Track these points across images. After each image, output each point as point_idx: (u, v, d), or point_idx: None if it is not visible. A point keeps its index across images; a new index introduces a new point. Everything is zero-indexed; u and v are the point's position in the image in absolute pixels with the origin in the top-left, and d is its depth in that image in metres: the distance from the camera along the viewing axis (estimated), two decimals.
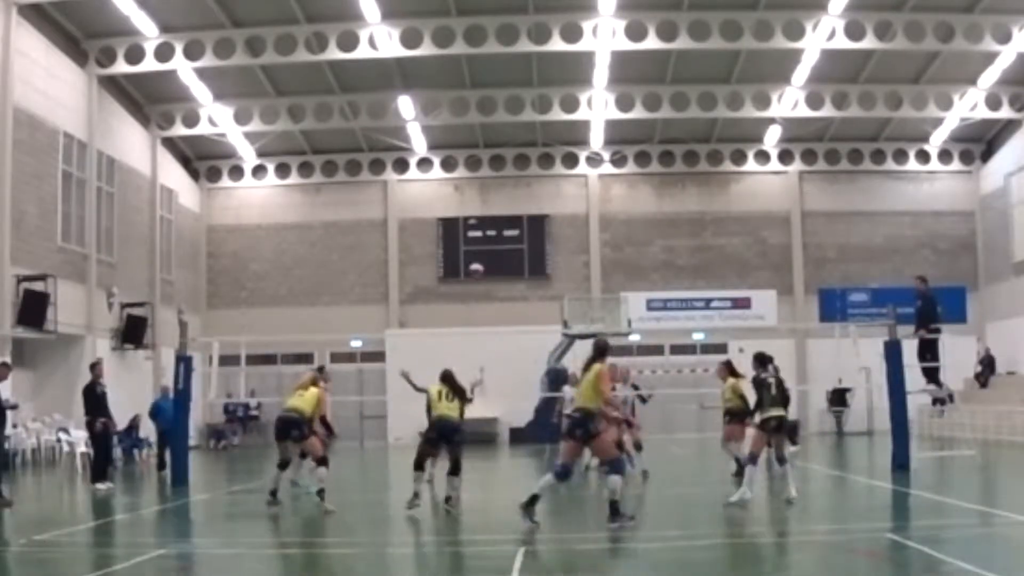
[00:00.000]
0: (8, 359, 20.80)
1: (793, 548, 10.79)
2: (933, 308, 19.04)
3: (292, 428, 14.07)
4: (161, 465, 21.47)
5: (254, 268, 36.27)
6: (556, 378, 27.57)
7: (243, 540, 11.96)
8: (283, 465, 14.78)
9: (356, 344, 34.72)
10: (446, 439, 13.58)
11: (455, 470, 13.51)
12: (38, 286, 23.75)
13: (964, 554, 9.25)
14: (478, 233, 35.94)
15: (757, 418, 13.60)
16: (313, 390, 14.73)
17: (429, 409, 13.89)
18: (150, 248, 31.49)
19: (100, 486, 17.05)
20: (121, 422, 23.72)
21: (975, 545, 10.23)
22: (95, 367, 18.33)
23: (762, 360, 13.82)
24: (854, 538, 10.70)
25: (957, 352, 25.64)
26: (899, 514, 13.21)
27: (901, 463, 17.31)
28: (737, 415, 16.15)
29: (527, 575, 9.22)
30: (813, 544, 10.94)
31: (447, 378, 13.83)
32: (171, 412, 21.59)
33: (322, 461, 13.95)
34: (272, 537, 12.38)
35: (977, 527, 11.35)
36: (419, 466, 13.66)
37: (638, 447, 18.10)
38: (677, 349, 34.15)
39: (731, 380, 16.59)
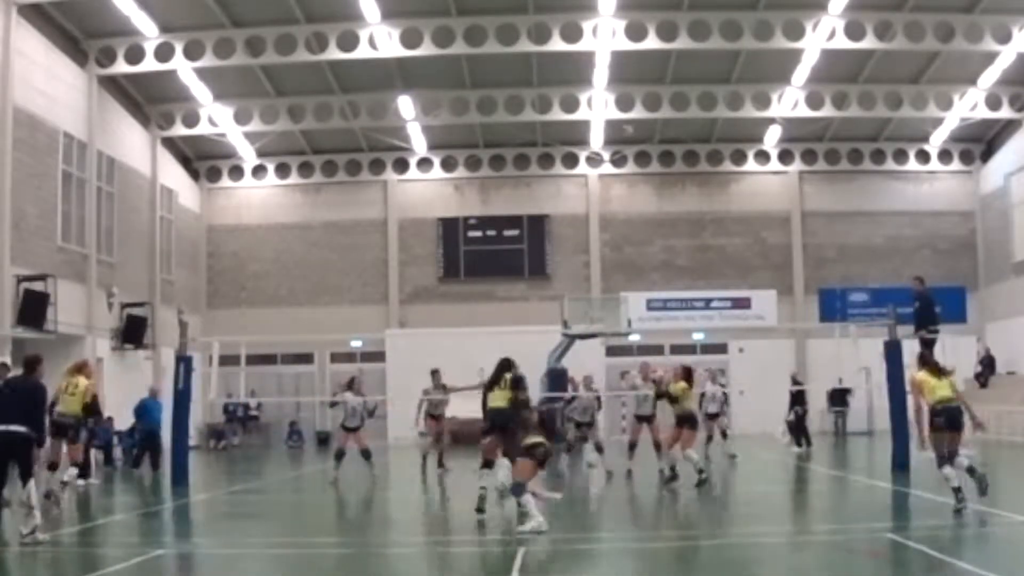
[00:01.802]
0: (8, 359, 20.81)
1: (793, 548, 10.79)
2: (931, 309, 19.03)
3: (68, 430, 14.88)
4: (136, 463, 21.71)
5: (254, 268, 36.26)
6: (556, 378, 27.52)
7: (243, 540, 11.97)
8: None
9: (356, 344, 34.72)
10: (499, 428, 13.13)
11: (486, 463, 13.15)
12: (38, 286, 23.74)
13: (964, 554, 9.26)
14: (478, 233, 35.96)
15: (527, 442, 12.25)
16: (83, 381, 15.09)
17: (485, 402, 13.73)
18: (150, 248, 31.49)
19: (80, 483, 17.17)
20: (121, 422, 23.79)
21: (975, 545, 10.24)
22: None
23: (507, 364, 13.35)
24: (854, 538, 10.70)
25: (957, 352, 25.64)
26: (899, 514, 13.22)
27: (901, 463, 17.29)
28: (687, 420, 16.59)
29: (527, 575, 9.22)
30: (813, 544, 10.95)
31: (497, 367, 13.52)
32: (157, 413, 21.76)
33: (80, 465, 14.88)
34: (272, 537, 12.39)
35: (977, 527, 11.35)
36: (487, 463, 13.23)
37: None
38: (677, 349, 34.11)
39: (683, 384, 16.80)
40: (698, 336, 34.60)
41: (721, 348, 34.48)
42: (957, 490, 11.88)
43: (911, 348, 18.50)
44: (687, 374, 17.08)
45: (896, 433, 17.67)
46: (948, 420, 12.14)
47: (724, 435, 21.23)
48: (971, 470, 12.10)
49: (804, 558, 10.11)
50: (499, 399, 13.31)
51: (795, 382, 26.43)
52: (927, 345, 18.79)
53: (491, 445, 13.33)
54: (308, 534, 12.56)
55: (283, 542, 11.83)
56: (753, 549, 10.70)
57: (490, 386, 13.47)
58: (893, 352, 17.96)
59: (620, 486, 17.31)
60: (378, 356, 33.20)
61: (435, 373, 20.85)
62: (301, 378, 35.61)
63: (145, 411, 22.19)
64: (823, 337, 28.42)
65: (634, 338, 32.65)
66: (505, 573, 9.15)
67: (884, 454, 18.40)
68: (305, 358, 35.32)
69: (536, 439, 11.87)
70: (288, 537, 12.35)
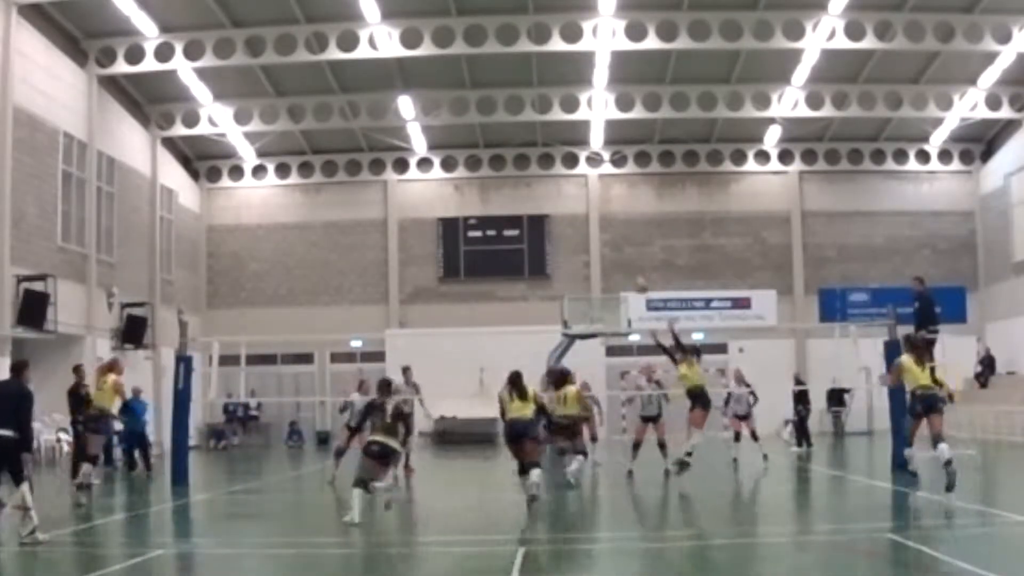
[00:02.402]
0: (8, 359, 20.80)
1: (793, 548, 10.79)
2: (931, 309, 19.02)
3: (98, 424, 15.99)
4: (131, 465, 21.64)
5: (254, 268, 36.26)
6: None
7: (243, 540, 11.97)
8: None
9: (356, 344, 34.72)
10: (519, 436, 13.86)
11: (523, 469, 13.64)
12: (38, 286, 23.73)
13: (964, 554, 9.26)
14: (478, 233, 35.96)
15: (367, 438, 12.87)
16: (111, 378, 16.00)
17: (503, 413, 14.29)
18: (150, 248, 31.48)
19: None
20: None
21: (975, 545, 10.23)
22: (78, 369, 18.74)
23: (386, 387, 13.51)
24: (854, 538, 10.70)
25: (957, 352, 25.62)
26: (899, 514, 13.21)
27: (901, 463, 17.26)
28: (698, 397, 16.10)
29: (527, 575, 9.22)
30: (813, 544, 10.95)
31: (515, 380, 14.11)
32: (140, 413, 21.81)
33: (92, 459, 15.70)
34: (272, 537, 12.39)
35: (977, 527, 11.35)
36: (522, 471, 13.67)
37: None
38: None
39: (684, 367, 16.58)
40: (698, 336, 34.50)
41: (721, 348, 34.41)
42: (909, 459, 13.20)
43: None
44: (693, 351, 16.74)
45: (896, 433, 17.66)
46: (926, 407, 12.93)
47: (755, 436, 21.08)
48: (948, 463, 12.43)
49: (804, 558, 10.11)
50: (521, 410, 13.86)
51: (798, 382, 26.44)
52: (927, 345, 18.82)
53: (516, 452, 13.83)
54: (308, 534, 12.56)
55: (283, 542, 11.83)
56: (753, 549, 10.70)
57: (510, 398, 13.99)
58: (893, 352, 17.91)
59: (620, 486, 17.30)
60: (378, 356, 33.16)
61: (406, 371, 20.59)
62: (301, 378, 35.61)
63: (128, 412, 22.15)
64: (823, 337, 28.40)
65: (634, 338, 32.61)
66: (505, 573, 9.15)
67: (884, 454, 18.41)
68: (305, 358, 35.33)
69: (373, 438, 12.45)
70: (288, 537, 12.35)
